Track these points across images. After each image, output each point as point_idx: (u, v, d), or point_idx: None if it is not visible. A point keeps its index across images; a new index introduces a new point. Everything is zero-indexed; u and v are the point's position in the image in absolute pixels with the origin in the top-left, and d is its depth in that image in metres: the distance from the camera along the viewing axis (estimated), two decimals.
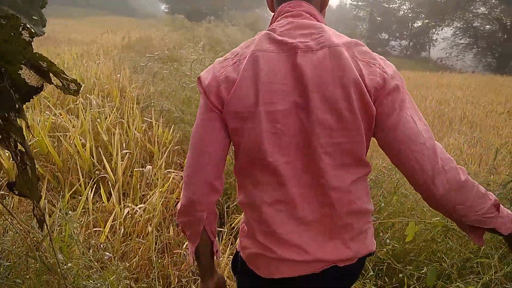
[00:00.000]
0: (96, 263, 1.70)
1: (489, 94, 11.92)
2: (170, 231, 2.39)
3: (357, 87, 0.91)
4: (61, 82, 1.05)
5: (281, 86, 0.94)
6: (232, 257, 2.37)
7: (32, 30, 0.81)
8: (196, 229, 1.09)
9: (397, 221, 2.58)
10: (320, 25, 1.00)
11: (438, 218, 2.45)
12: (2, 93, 0.87)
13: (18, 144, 0.84)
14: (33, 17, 0.93)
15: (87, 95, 4.28)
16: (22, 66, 0.98)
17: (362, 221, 1.07)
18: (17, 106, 0.99)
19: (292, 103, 0.94)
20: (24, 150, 0.85)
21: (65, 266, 1.33)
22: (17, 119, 0.97)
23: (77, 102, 3.93)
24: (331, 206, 1.01)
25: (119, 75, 5.45)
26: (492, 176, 5.73)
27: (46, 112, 3.45)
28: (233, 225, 2.67)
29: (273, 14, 1.12)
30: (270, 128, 0.95)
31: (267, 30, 1.02)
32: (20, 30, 0.83)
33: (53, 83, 1.09)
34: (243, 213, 1.18)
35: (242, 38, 19.25)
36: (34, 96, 1.07)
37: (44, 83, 1.08)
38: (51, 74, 1.04)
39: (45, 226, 1.21)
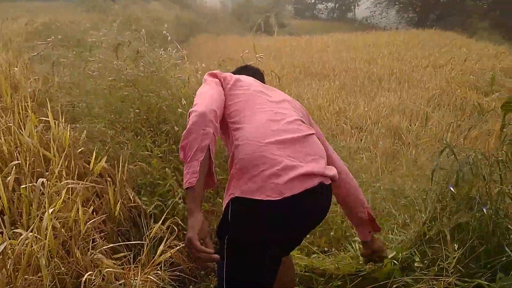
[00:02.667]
0: None
1: (413, 49, 12.23)
2: (78, 254, 1.99)
3: None
4: None
5: None
6: None
7: None
8: (204, 143, 1.26)
9: None
10: None
11: None
12: None
13: None
14: None
15: None
16: None
17: None
18: None
19: None
20: None
21: None
22: None
23: None
24: None
25: (16, 69, 4.71)
26: (423, 131, 5.79)
27: None
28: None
29: None
30: None
31: None
32: None
33: None
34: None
35: (165, 12, 18.06)
36: None
37: None
38: None
39: None
